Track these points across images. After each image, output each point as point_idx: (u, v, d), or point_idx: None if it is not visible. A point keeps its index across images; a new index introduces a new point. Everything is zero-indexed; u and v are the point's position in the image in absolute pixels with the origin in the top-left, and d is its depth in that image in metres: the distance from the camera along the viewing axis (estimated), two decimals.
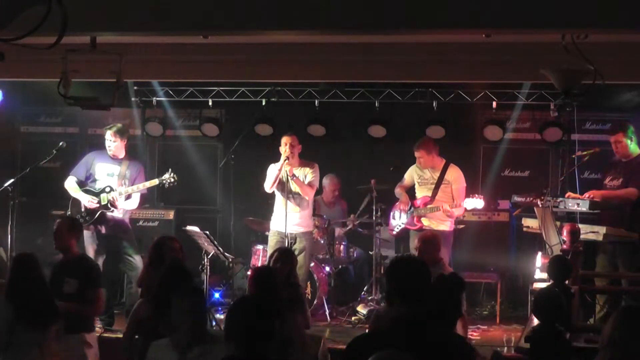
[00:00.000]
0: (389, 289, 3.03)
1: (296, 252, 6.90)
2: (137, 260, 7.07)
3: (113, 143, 7.18)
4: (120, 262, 7.14)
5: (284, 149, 7.13)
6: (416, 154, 7.36)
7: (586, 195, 6.59)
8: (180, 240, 5.58)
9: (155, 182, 7.23)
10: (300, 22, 4.24)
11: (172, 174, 7.25)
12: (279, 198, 7.29)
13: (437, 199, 7.22)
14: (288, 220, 7.14)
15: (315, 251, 7.89)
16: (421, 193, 7.38)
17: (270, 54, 5.55)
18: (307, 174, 7.29)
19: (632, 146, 6.72)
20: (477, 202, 7.04)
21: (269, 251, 7.28)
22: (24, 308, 4.42)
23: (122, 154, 7.26)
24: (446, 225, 7.22)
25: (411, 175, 7.51)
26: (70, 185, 7.17)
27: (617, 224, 6.54)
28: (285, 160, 7.08)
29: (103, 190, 7.06)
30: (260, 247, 7.89)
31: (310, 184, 7.29)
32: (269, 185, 7.24)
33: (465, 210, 7.27)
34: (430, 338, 2.91)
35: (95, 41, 4.58)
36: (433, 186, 7.29)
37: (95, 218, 7.03)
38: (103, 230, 7.09)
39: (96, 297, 5.36)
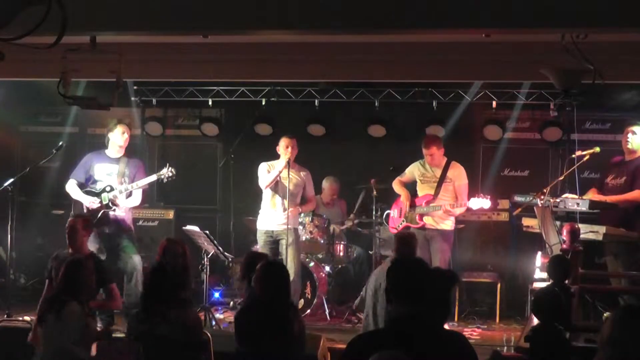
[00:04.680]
0: (390, 288, 3.02)
1: (283, 247, 7.11)
2: (136, 260, 7.07)
3: (126, 136, 7.18)
4: (118, 261, 7.14)
5: (285, 151, 7.14)
6: (427, 152, 7.21)
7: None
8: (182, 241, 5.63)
9: (154, 177, 7.22)
10: (300, 22, 4.25)
11: (169, 169, 7.23)
12: (268, 197, 7.33)
13: (439, 197, 7.20)
14: (277, 219, 7.22)
15: (312, 250, 7.92)
16: (423, 191, 7.35)
17: (270, 54, 5.55)
18: (305, 183, 7.38)
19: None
20: (483, 202, 6.99)
21: (261, 250, 7.31)
22: None
23: (123, 150, 7.26)
24: (448, 225, 7.20)
25: (412, 171, 7.46)
26: (71, 188, 7.16)
27: (617, 224, 6.54)
28: (287, 163, 7.09)
29: (104, 190, 7.06)
30: (258, 247, 7.89)
31: (310, 198, 7.51)
32: (265, 184, 7.28)
33: (468, 209, 7.24)
34: (431, 337, 2.91)
35: (95, 41, 4.59)
36: (435, 184, 7.24)
37: (98, 218, 7.03)
38: (106, 230, 7.09)
39: (113, 292, 5.69)
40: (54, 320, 4.58)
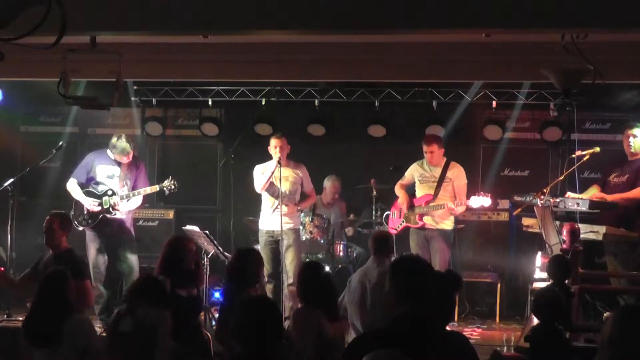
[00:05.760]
0: (392, 288, 3.03)
1: (284, 248, 7.14)
2: (134, 261, 7.09)
3: (130, 152, 7.21)
4: (118, 261, 7.15)
5: (275, 151, 7.17)
6: (428, 149, 7.25)
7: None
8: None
9: (156, 188, 7.29)
10: (299, 22, 4.24)
11: (172, 181, 7.29)
12: (266, 198, 7.34)
13: (439, 197, 7.20)
14: (276, 219, 7.21)
15: (312, 250, 7.92)
16: (422, 191, 7.35)
17: (270, 54, 5.55)
18: (303, 178, 7.37)
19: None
20: (484, 200, 6.99)
21: (261, 250, 7.30)
22: None
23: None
24: (448, 224, 7.20)
25: (412, 173, 7.47)
26: (72, 187, 7.16)
27: (617, 224, 6.55)
28: (277, 163, 7.10)
29: (105, 193, 7.07)
30: (259, 247, 7.89)
31: (309, 193, 7.50)
32: (259, 187, 7.30)
33: (468, 208, 7.23)
34: (432, 337, 2.91)
35: (95, 41, 4.58)
36: (435, 184, 7.24)
37: (99, 220, 7.04)
38: (105, 232, 7.09)
39: (84, 289, 5.40)
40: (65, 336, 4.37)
